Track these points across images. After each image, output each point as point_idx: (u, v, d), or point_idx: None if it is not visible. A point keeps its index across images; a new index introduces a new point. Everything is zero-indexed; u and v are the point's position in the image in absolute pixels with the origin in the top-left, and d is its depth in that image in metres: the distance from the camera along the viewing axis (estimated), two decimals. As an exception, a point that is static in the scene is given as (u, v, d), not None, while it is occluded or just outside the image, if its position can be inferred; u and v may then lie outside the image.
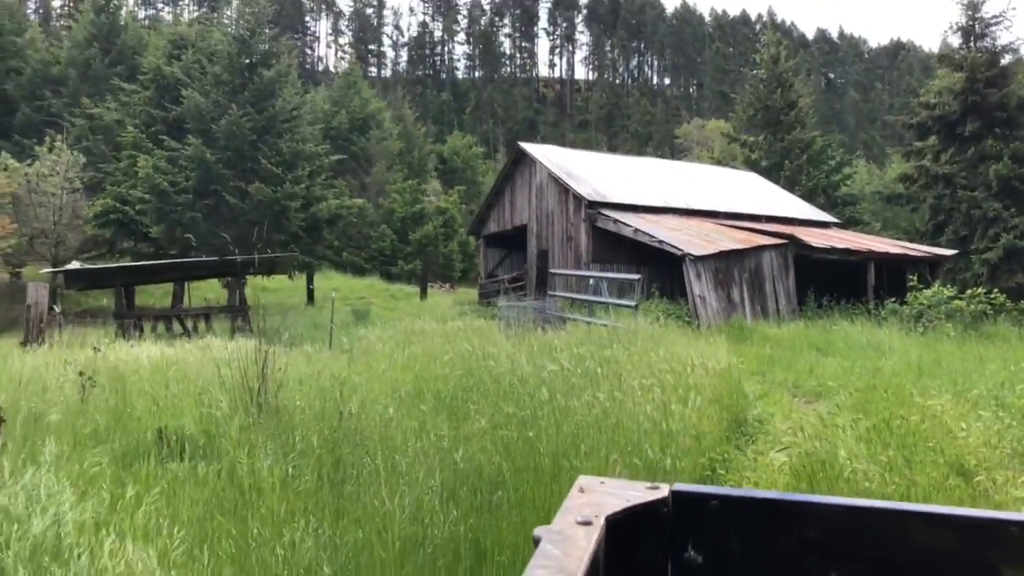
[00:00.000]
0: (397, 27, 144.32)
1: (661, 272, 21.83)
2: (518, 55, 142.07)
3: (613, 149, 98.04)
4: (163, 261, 20.99)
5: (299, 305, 32.10)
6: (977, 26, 30.29)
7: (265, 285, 30.66)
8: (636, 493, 0.98)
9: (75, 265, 17.49)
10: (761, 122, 40.16)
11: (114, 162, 30.23)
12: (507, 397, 6.70)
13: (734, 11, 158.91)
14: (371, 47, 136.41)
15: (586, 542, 0.81)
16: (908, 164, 32.20)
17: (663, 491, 1.00)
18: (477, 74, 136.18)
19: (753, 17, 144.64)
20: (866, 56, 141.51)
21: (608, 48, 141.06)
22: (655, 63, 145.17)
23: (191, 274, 18.82)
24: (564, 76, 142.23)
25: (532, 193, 26.55)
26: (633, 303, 15.51)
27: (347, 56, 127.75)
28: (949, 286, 20.51)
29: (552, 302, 18.14)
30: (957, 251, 26.10)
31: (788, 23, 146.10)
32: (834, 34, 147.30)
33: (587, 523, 0.86)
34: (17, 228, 25.59)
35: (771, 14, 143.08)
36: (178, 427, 6.32)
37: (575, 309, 18.29)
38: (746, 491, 1.07)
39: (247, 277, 18.85)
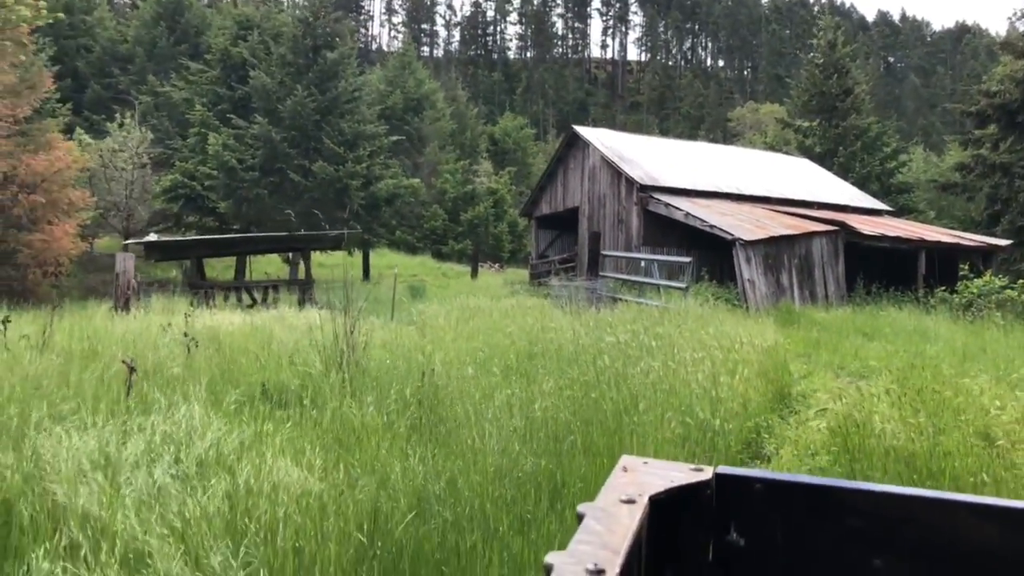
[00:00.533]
0: (450, 6, 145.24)
1: (711, 256, 22.21)
2: (570, 35, 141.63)
3: (664, 132, 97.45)
4: (237, 235, 22.16)
5: (356, 281, 33.28)
6: (1043, 12, 29.71)
7: (322, 261, 31.84)
8: (680, 474, 0.99)
9: (152, 237, 18.68)
10: (816, 108, 39.89)
11: (180, 139, 31.58)
12: (571, 364, 7.41)
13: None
14: (424, 26, 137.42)
15: (629, 520, 0.82)
16: (966, 153, 31.83)
17: (707, 473, 1.01)
18: (529, 55, 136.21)
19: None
20: (928, 40, 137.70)
21: (661, 29, 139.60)
22: (709, 45, 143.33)
23: (262, 247, 19.90)
24: (616, 57, 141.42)
25: (584, 176, 27.08)
26: (684, 285, 16.06)
27: (400, 35, 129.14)
28: (1002, 276, 20.54)
29: (604, 283, 18.76)
30: (1012, 241, 25.91)
31: (847, 5, 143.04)
32: (896, 16, 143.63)
33: (631, 501, 0.87)
34: (94, 201, 27.05)
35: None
36: (278, 382, 7.17)
37: (626, 290, 18.87)
38: (791, 476, 1.07)
39: (312, 252, 19.84)
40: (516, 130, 70.97)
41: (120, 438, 4.27)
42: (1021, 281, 19.50)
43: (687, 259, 17.22)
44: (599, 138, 27.75)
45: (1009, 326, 15.89)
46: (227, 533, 3.21)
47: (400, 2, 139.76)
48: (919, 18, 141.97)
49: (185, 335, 8.61)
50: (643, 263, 19.20)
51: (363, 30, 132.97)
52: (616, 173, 25.03)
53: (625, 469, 0.99)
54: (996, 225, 29.17)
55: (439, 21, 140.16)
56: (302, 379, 7.15)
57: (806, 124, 39.80)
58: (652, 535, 0.87)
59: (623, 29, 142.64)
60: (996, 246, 24.60)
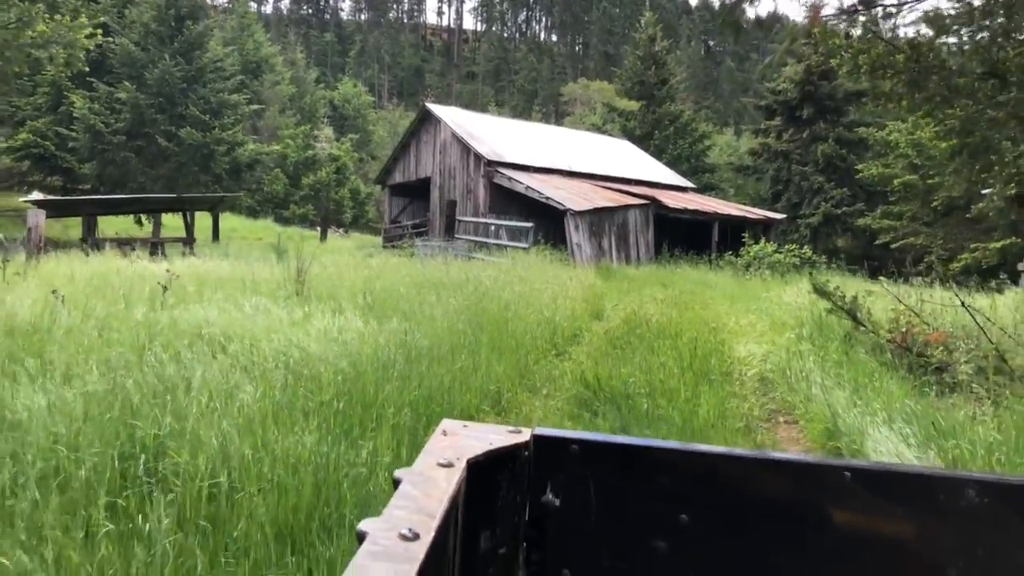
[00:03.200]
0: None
1: (546, 223, 26.67)
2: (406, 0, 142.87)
3: (500, 104, 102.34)
4: (128, 196, 23.68)
5: (207, 241, 35.10)
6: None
7: (166, 223, 33.39)
8: (498, 437, 1.02)
9: (37, 196, 20.17)
10: (637, 94, 45.75)
11: (23, 96, 31.85)
12: (459, 289, 11.22)
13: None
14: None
15: (446, 483, 0.84)
16: (756, 140, 38.57)
17: (525, 435, 1.04)
18: (363, 17, 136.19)
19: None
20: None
21: (497, 0, 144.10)
22: (543, 19, 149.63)
23: (151, 207, 21.93)
24: (452, 25, 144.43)
25: (436, 149, 30.73)
26: (526, 245, 20.27)
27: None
28: (780, 244, 26.48)
29: (459, 243, 22.64)
30: (786, 215, 32.49)
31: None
32: (716, 3, 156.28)
33: (448, 465, 0.89)
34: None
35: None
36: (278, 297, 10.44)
37: (478, 250, 22.86)
38: (605, 436, 1.08)
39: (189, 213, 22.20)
40: (356, 96, 72.80)
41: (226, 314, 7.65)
42: (787, 247, 25.49)
43: (529, 225, 21.45)
44: (450, 116, 31.47)
45: (770, 280, 21.45)
46: (326, 340, 6.79)
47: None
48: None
49: (168, 271, 11.57)
50: (493, 227, 23.27)
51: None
52: (465, 148, 28.88)
53: (445, 433, 1.01)
54: (778, 202, 35.94)
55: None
56: (277, 299, 10.48)
57: (628, 109, 45.64)
58: (469, 498, 0.90)
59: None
60: (774, 219, 30.88)
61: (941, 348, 7.01)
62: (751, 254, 25.02)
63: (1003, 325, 7.71)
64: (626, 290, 17.49)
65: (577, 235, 23.71)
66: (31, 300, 7.86)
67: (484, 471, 0.95)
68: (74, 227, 33.25)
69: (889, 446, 5.30)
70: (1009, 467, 4.54)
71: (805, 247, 26.58)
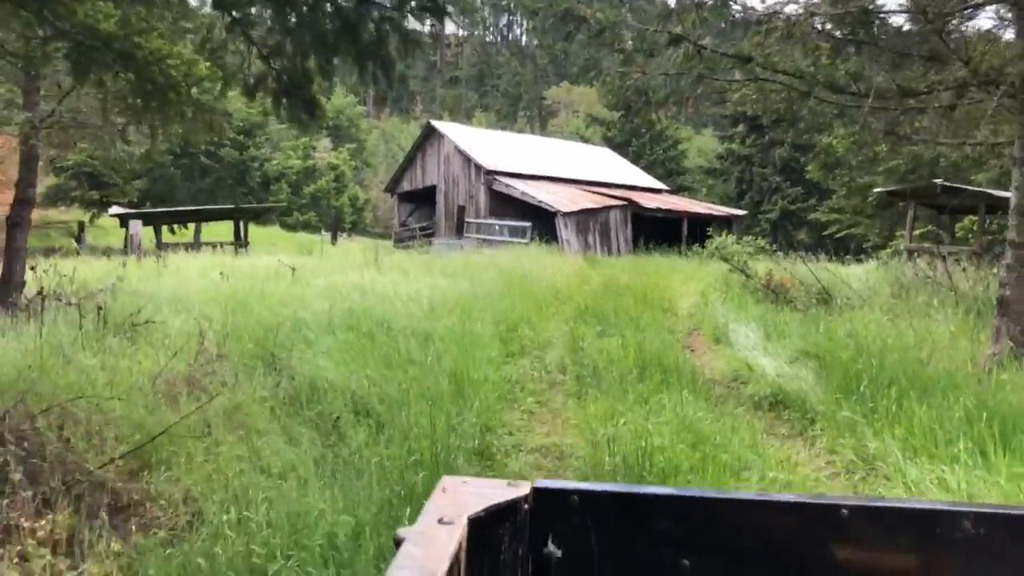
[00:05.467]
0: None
1: (540, 223, 31.80)
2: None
3: (484, 108, 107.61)
4: (193, 208, 28.47)
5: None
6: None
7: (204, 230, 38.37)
8: (498, 491, 1.04)
9: (118, 210, 25.05)
10: (615, 104, 51.11)
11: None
12: (488, 269, 16.30)
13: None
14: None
15: (448, 542, 0.86)
16: (722, 146, 44.04)
17: (524, 488, 1.07)
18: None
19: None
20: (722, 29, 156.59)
21: (480, 4, 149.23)
22: (525, 23, 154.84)
23: (211, 216, 26.93)
24: (435, 30, 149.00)
25: (440, 161, 35.90)
26: (526, 241, 25.42)
27: None
28: (742, 237, 31.78)
29: (468, 241, 27.75)
30: (748, 212, 37.88)
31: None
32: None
33: (449, 523, 0.91)
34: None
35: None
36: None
37: (485, 246, 28.01)
38: (605, 485, 1.11)
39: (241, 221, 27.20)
40: (350, 107, 77.72)
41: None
42: (745, 239, 30.80)
43: (528, 223, 26.63)
44: (452, 131, 36.69)
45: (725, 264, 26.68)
46: (430, 289, 11.90)
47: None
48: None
49: (292, 270, 16.59)
50: (496, 226, 28.44)
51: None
52: (467, 159, 34.03)
53: (444, 490, 1.03)
54: (743, 200, 41.34)
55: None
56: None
57: (608, 119, 50.98)
58: (471, 555, 0.92)
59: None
60: (737, 215, 36.20)
61: (789, 287, 12.25)
62: (714, 246, 30.28)
63: (843, 277, 13.02)
64: (606, 271, 22.71)
65: (566, 232, 28.87)
66: (199, 282, 12.82)
67: (485, 527, 0.98)
68: (114, 235, 38.17)
69: (742, 333, 10.46)
70: (797, 335, 9.73)
71: (764, 239, 31.90)
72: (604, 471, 4.78)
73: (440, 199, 35.81)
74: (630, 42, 9.94)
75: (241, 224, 26.44)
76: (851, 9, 10.30)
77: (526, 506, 1.07)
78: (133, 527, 3.82)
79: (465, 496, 1.02)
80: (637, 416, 5.82)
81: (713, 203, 41.08)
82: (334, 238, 45.99)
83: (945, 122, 11.98)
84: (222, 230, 31.36)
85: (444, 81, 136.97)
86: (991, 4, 9.72)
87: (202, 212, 26.08)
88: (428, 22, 5.07)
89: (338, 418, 5.33)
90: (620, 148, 47.12)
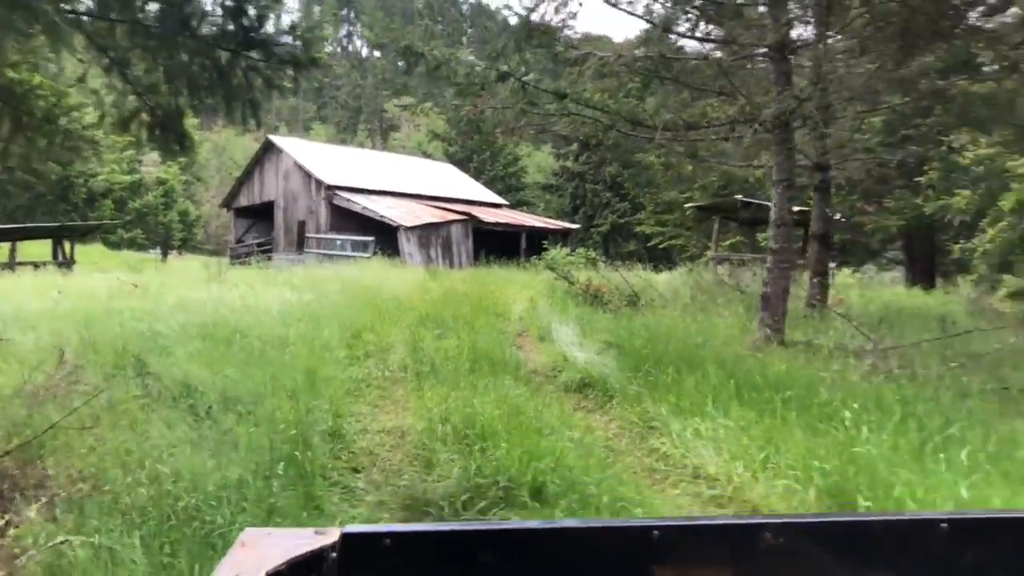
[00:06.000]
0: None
1: (382, 238, 32.69)
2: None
3: (323, 120, 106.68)
4: (16, 225, 26.95)
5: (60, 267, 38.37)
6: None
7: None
8: (303, 541, 1.01)
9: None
10: (456, 120, 52.82)
11: None
12: (333, 282, 17.16)
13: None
14: None
15: None
16: (558, 163, 46.64)
17: (332, 535, 1.04)
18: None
19: None
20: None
21: (317, 13, 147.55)
22: (363, 32, 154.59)
23: (35, 235, 25.87)
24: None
25: (279, 176, 36.04)
26: (368, 255, 26.31)
27: None
28: (574, 249, 34.00)
29: (308, 256, 28.26)
30: (580, 225, 40.44)
31: (493, 7, 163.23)
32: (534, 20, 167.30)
33: None
34: None
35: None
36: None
37: (327, 260, 28.60)
38: (419, 526, 1.15)
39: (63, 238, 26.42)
40: (180, 118, 75.15)
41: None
42: (578, 251, 33.03)
43: (371, 238, 27.50)
44: (291, 146, 36.91)
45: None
46: (278, 302, 12.72)
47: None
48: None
49: (135, 286, 16.71)
50: (338, 241, 29.10)
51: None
52: (307, 175, 34.42)
53: (244, 544, 0.98)
54: (577, 214, 43.97)
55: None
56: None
57: (450, 135, 52.63)
58: None
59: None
60: (570, 228, 38.58)
61: (605, 292, 13.99)
62: (549, 258, 32.31)
63: (654, 283, 14.93)
64: (447, 282, 24.02)
65: (409, 246, 29.97)
66: (37, 301, 13.05)
67: None
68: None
69: (563, 332, 11.97)
70: (590, 324, 11.35)
71: (595, 251, 34.32)
72: (437, 437, 5.99)
73: (279, 214, 35.94)
74: (462, 78, 11.30)
75: (66, 243, 25.73)
76: (651, 54, 12.19)
77: (333, 554, 1.04)
78: (43, 498, 4.62)
79: (265, 549, 0.99)
80: (467, 396, 7.08)
81: (550, 217, 43.42)
82: (164, 255, 44.81)
83: (738, 148, 14.19)
84: (38, 249, 30.20)
85: (280, 92, 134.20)
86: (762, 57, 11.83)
87: (23, 230, 25.18)
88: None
89: (211, 407, 6.24)
90: (462, 164, 48.80)
